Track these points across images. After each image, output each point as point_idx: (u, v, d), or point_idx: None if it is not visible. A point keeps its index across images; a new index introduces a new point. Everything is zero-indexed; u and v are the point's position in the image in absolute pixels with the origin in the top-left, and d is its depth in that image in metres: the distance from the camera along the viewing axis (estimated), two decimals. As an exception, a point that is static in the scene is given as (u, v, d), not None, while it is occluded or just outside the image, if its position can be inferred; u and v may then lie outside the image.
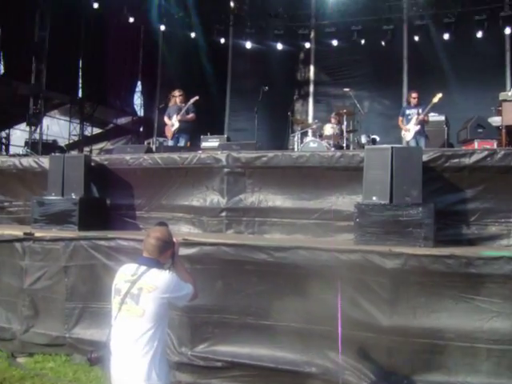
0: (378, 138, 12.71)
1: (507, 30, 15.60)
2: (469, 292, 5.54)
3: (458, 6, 16.10)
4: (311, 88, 18.76)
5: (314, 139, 11.56)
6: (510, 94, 9.55)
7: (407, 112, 11.03)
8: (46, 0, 16.73)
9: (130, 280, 3.99)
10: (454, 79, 15.82)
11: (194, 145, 12.05)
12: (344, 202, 7.10)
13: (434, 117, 11.99)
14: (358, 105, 12.40)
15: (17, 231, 7.66)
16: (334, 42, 17.10)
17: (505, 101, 9.52)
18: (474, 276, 5.52)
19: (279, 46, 17.76)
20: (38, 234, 7.47)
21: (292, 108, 14.39)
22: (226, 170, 7.76)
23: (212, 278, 6.43)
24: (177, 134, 11.27)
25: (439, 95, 10.51)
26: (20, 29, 16.33)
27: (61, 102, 19.51)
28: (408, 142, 10.75)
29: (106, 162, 8.61)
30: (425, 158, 6.72)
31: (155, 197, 8.34)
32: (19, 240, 7.50)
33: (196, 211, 8.02)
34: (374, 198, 6.50)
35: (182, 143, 11.22)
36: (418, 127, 10.77)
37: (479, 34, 15.85)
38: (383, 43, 16.81)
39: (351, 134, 12.59)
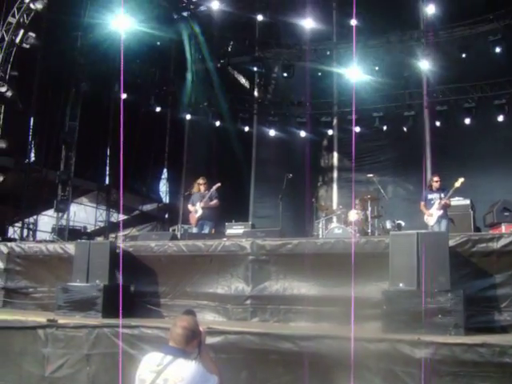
0: (403, 224, 12.64)
1: (527, 114, 15.74)
2: (504, 383, 5.31)
3: (477, 92, 16.38)
4: (335, 174, 18.93)
5: (338, 225, 11.53)
6: (535, 177, 9.50)
7: (429, 196, 10.91)
8: (78, 92, 17.40)
9: (155, 370, 3.91)
10: (478, 163, 15.84)
11: (219, 232, 12.08)
12: (371, 289, 6.98)
13: (459, 201, 11.92)
14: (381, 190, 12.42)
15: (40, 318, 7.62)
16: (357, 129, 17.37)
17: (530, 184, 9.47)
18: (509, 366, 5.30)
19: (302, 134, 18.12)
20: (61, 321, 7.42)
21: (316, 194, 14.53)
22: (250, 257, 7.74)
23: (237, 368, 6.27)
24: (201, 221, 11.33)
25: (461, 180, 10.48)
26: (51, 119, 16.96)
27: (88, 188, 19.90)
28: (432, 227, 10.61)
29: (131, 249, 8.65)
30: (451, 243, 6.65)
31: (180, 284, 8.29)
32: (42, 327, 7.44)
33: (221, 299, 7.94)
34: (401, 285, 6.39)
35: (206, 230, 11.25)
36: (440, 212, 10.64)
37: (500, 118, 16.00)
38: (405, 129, 17.04)
39: (376, 220, 12.53)
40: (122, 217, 20.88)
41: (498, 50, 15.59)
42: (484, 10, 15.97)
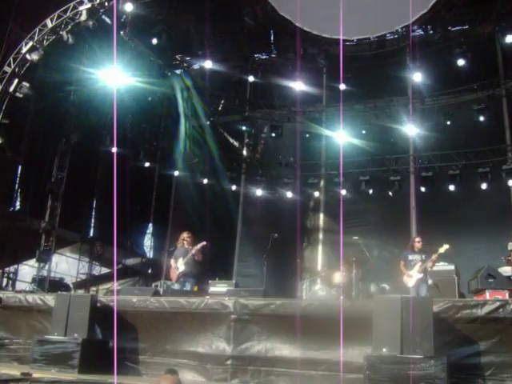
0: (387, 287, 12.60)
1: (511, 183, 15.97)
2: None
3: (461, 159, 16.67)
4: (320, 235, 18.95)
5: (322, 287, 11.49)
6: (519, 243, 9.58)
7: (410, 257, 10.85)
8: (67, 143, 17.48)
9: None
10: (463, 228, 15.96)
11: (202, 289, 11.95)
12: (353, 353, 6.90)
13: (443, 266, 11.93)
14: (367, 253, 12.43)
15: (14, 371, 7.42)
16: (343, 192, 17.50)
17: (514, 250, 9.54)
18: None
19: (289, 194, 18.20)
20: (35, 375, 7.23)
21: (301, 255, 14.50)
22: (233, 316, 7.67)
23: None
24: (182, 278, 11.19)
25: (446, 246, 10.51)
26: (39, 168, 16.96)
27: (72, 240, 19.72)
28: (411, 288, 10.54)
29: (111, 303, 8.53)
30: (435, 308, 6.64)
31: (160, 341, 8.18)
32: (15, 380, 7.23)
33: (201, 358, 7.83)
34: (385, 350, 6.33)
35: (187, 287, 11.11)
36: (420, 275, 10.62)
37: (484, 186, 16.22)
38: (391, 193, 17.21)
39: (360, 283, 12.47)
40: (115, 268, 20.63)
41: (481, 118, 15.96)
42: (469, 79, 16.42)
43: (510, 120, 16.99)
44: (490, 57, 17.03)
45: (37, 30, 13.68)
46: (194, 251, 11.12)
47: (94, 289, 19.30)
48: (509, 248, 9.79)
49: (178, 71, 18.86)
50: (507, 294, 10.10)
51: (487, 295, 10.18)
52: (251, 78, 18.66)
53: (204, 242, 11.20)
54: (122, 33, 14.94)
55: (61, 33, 13.53)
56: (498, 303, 6.71)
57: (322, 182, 18.82)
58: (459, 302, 7.16)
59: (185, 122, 18.86)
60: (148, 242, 22.80)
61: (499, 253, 12.35)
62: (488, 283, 10.51)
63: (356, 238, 12.63)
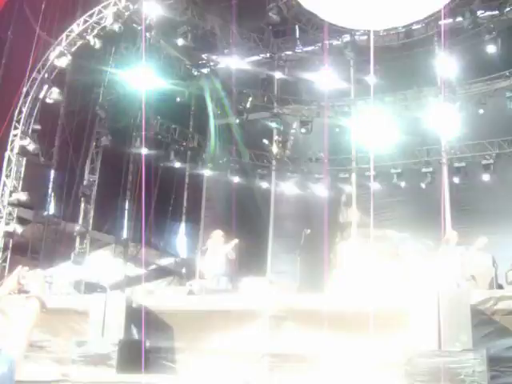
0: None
1: (547, 169, 15.67)
2: None
3: (495, 148, 16.38)
4: (353, 230, 18.81)
5: (357, 281, 11.39)
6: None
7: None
8: (98, 146, 17.66)
9: None
10: (498, 219, 15.68)
11: (236, 287, 11.96)
12: (391, 347, 6.83)
13: (480, 257, 11.73)
14: (400, 246, 12.30)
15: (54, 372, 7.54)
16: (375, 185, 17.33)
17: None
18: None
19: (320, 190, 18.09)
20: (75, 376, 7.33)
21: (334, 250, 14.40)
22: (268, 313, 7.65)
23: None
24: (217, 276, 11.23)
25: (483, 239, 10.34)
26: (71, 172, 17.18)
27: (106, 242, 19.94)
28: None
29: (147, 304, 8.60)
30: (473, 300, 6.52)
31: (195, 340, 8.22)
32: (55, 381, 7.36)
33: (237, 356, 7.82)
34: (422, 344, 6.24)
35: (222, 285, 11.15)
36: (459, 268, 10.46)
37: (520, 174, 15.94)
38: (423, 185, 16.99)
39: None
40: (143, 270, 20.83)
41: (515, 105, 15.68)
42: (500, 66, 16.11)
43: (544, 106, 16.61)
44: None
45: (64, 35, 13.87)
46: (227, 249, 11.17)
47: (130, 289, 19.46)
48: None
49: (204, 71, 18.90)
50: (546, 284, 9.93)
51: (526, 286, 10.02)
52: (278, 75, 18.62)
53: (236, 240, 11.23)
54: (148, 35, 15.03)
55: (87, 37, 13.69)
56: (537, 294, 6.57)
57: (353, 176, 18.68)
58: (497, 293, 7.04)
59: (213, 121, 18.92)
60: (181, 241, 22.93)
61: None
62: (526, 274, 10.33)
63: (389, 231, 12.49)
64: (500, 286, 11.51)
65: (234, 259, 11.31)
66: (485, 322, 6.60)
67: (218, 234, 11.61)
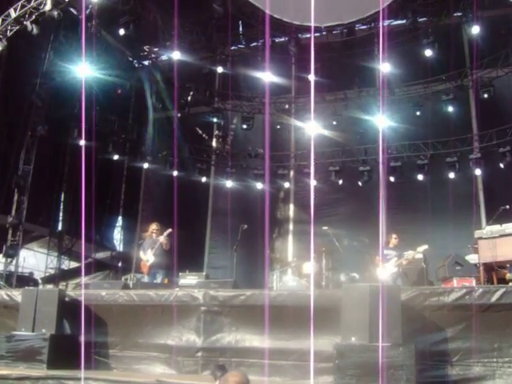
0: (357, 276, 12.67)
1: (477, 172, 16.23)
2: None
3: (429, 149, 16.86)
4: (291, 226, 19.00)
5: (293, 278, 11.51)
6: (484, 231, 9.73)
7: (385, 252, 11.05)
8: (33, 136, 17.16)
9: None
10: (432, 218, 16.15)
11: (172, 282, 11.89)
12: (323, 342, 6.92)
13: (414, 255, 12.05)
14: (336, 243, 12.49)
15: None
16: (313, 182, 17.54)
17: (480, 238, 9.68)
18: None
19: (259, 185, 18.16)
20: (2, 372, 7.11)
21: (272, 246, 14.52)
22: (202, 308, 7.64)
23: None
24: (153, 270, 11.15)
25: (425, 246, 10.75)
26: (5, 162, 16.65)
27: (40, 234, 19.45)
28: (383, 281, 10.65)
29: (80, 298, 8.43)
30: (403, 296, 6.69)
31: (130, 335, 8.11)
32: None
33: (171, 351, 7.78)
34: (353, 339, 6.36)
35: (158, 280, 11.07)
36: (395, 269, 10.78)
37: (451, 175, 16.42)
38: (360, 183, 17.32)
39: (330, 272, 12.53)
40: (83, 263, 20.40)
41: (450, 109, 16.19)
42: (437, 70, 16.58)
43: (476, 110, 17.19)
44: (458, 47, 17.22)
45: (-1, 19, 13.41)
46: (161, 239, 11.10)
47: (64, 283, 19.07)
48: (475, 236, 9.94)
49: (146, 63, 18.68)
50: (474, 281, 10.28)
51: (454, 283, 10.35)
52: (220, 69, 18.55)
53: (170, 230, 11.19)
54: (88, 23, 14.71)
55: (25, 23, 13.26)
56: (464, 290, 6.79)
57: (291, 173, 18.85)
58: (427, 289, 7.23)
59: (154, 114, 18.72)
60: (118, 235, 22.62)
61: (466, 241, 12.52)
62: (455, 271, 10.67)
63: (326, 227, 12.66)
64: (430, 283, 11.86)
65: (169, 251, 11.24)
66: (414, 318, 6.77)
67: (154, 227, 11.54)
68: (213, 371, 6.20)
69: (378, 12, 15.11)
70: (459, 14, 15.81)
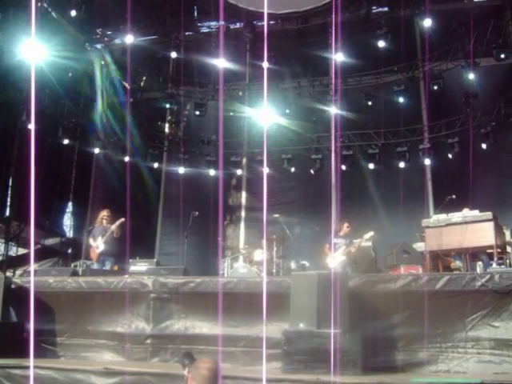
0: (307, 264, 12.82)
1: (427, 161, 16.57)
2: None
3: (381, 139, 17.11)
4: (242, 213, 19.01)
5: (243, 265, 11.57)
6: (431, 220, 9.95)
7: (335, 240, 11.18)
8: (-21, 119, 16.69)
9: None
10: (382, 206, 16.40)
11: (123, 268, 11.79)
12: (272, 329, 7.00)
13: (361, 242, 12.23)
14: (287, 231, 12.59)
15: None
16: (266, 170, 17.56)
17: (427, 227, 9.90)
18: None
19: (212, 172, 18.11)
20: None
21: (223, 233, 14.52)
22: (152, 295, 7.63)
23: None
24: (102, 257, 11.04)
25: (371, 233, 10.91)
26: None
27: (-14, 220, 18.97)
28: (333, 269, 10.80)
29: (27, 285, 8.29)
30: (351, 283, 6.81)
31: (78, 322, 8.05)
32: None
33: (120, 338, 7.75)
34: (302, 325, 6.45)
35: (107, 266, 10.97)
36: (344, 257, 10.93)
37: (402, 164, 16.71)
38: (312, 171, 17.45)
39: (281, 260, 12.62)
40: (32, 249, 19.99)
41: (401, 99, 16.41)
42: (389, 61, 16.79)
43: (426, 102, 17.49)
44: (410, 40, 17.46)
45: None
46: (112, 228, 11.00)
47: (11, 270, 18.67)
48: (422, 225, 10.16)
49: (99, 46, 18.31)
50: (420, 269, 10.54)
51: (402, 270, 10.59)
52: (174, 55, 18.35)
53: (122, 219, 11.10)
54: (39, 3, 14.34)
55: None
56: (410, 277, 6.97)
57: (244, 160, 18.85)
58: (374, 277, 7.39)
59: (105, 98, 18.38)
60: (68, 221, 22.23)
61: (415, 229, 12.77)
62: (403, 258, 10.93)
63: (277, 215, 12.73)
64: (379, 270, 12.10)
65: (120, 238, 11.15)
66: (362, 304, 6.91)
67: (104, 214, 11.41)
68: (180, 359, 6.20)
69: (333, 1, 15.22)
70: (412, 6, 15.96)
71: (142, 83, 18.16)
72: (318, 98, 17.56)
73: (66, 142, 18.25)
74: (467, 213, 9.56)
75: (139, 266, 11.96)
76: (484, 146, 15.57)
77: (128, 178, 18.01)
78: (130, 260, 12.44)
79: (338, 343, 6.20)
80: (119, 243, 11.21)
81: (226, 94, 18.42)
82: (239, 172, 18.82)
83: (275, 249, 12.02)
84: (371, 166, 17.09)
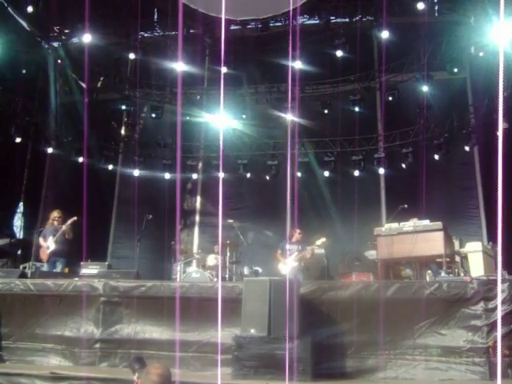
0: (260, 270, 12.85)
1: (381, 170, 16.83)
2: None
3: (336, 147, 17.30)
4: (197, 218, 18.93)
5: (196, 269, 11.51)
6: (383, 229, 10.10)
7: (288, 246, 11.26)
8: None
9: None
10: (337, 214, 16.53)
11: (74, 271, 11.58)
12: (223, 334, 6.99)
13: (314, 249, 12.32)
14: (241, 236, 12.60)
15: None
16: (222, 175, 17.54)
17: (379, 236, 10.03)
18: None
19: (167, 176, 17.98)
20: None
21: (177, 237, 14.40)
22: (102, 298, 7.52)
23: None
24: (53, 258, 10.84)
25: (323, 239, 10.99)
26: None
27: None
28: (285, 276, 10.85)
29: (-28, 287, 8.08)
30: (302, 290, 6.85)
31: (25, 326, 7.87)
32: None
33: (68, 342, 7.63)
34: (253, 331, 6.46)
35: (58, 268, 10.78)
36: (296, 264, 10.99)
37: (356, 173, 16.92)
38: (267, 177, 17.52)
39: (234, 266, 12.61)
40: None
41: (357, 109, 16.61)
42: (346, 71, 16.99)
43: (382, 112, 17.78)
44: (367, 50, 17.75)
45: None
46: (64, 228, 10.82)
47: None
48: (375, 233, 10.30)
49: (55, 44, 17.99)
50: (372, 277, 10.68)
51: (353, 277, 10.71)
52: (132, 56, 18.16)
53: (74, 218, 10.93)
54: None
55: None
56: (361, 285, 7.05)
57: (200, 165, 18.79)
58: (325, 283, 7.45)
59: (60, 97, 18.08)
60: (18, 221, 21.74)
61: (369, 237, 12.91)
62: (355, 266, 11.06)
63: (231, 221, 12.75)
64: (331, 278, 12.21)
65: (72, 240, 10.97)
66: (313, 311, 6.96)
67: (56, 215, 11.22)
68: (130, 364, 6.11)
69: (293, 10, 15.32)
70: (370, 18, 16.20)
71: (99, 84, 17.91)
72: (275, 104, 17.66)
73: (18, 140, 17.86)
74: (418, 222, 9.73)
75: (90, 268, 11.73)
76: (437, 156, 15.91)
77: (82, 179, 17.75)
78: (82, 263, 12.22)
79: (288, 349, 6.22)
80: (71, 244, 11.04)
81: (183, 97, 18.33)
82: (195, 176, 18.75)
83: (228, 254, 12.02)
84: (326, 173, 17.25)
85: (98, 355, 7.41)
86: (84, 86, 17.55)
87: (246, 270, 12.39)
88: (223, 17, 12.86)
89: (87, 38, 16.39)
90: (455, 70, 15.12)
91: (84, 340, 7.52)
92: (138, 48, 18.29)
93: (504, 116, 14.10)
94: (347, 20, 16.85)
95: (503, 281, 6.88)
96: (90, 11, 16.28)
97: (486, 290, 6.92)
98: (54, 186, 19.95)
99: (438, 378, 6.67)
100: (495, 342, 6.66)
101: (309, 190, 17.23)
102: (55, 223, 11.13)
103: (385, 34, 15.18)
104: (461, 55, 15.42)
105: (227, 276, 11.76)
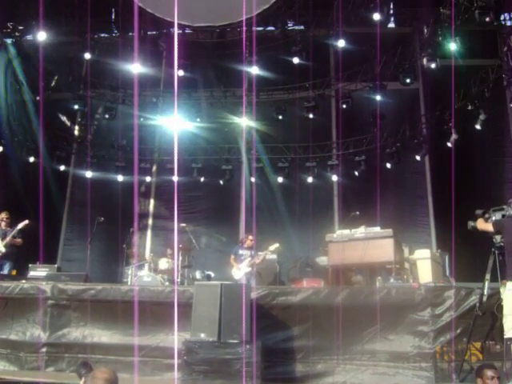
0: (212, 275, 12.83)
1: (334, 177, 17.02)
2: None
3: (290, 153, 17.42)
4: (150, 221, 18.76)
5: (148, 273, 11.40)
6: (335, 235, 10.18)
7: (240, 252, 11.31)
8: None
9: None
10: (290, 219, 16.64)
11: (22, 274, 11.30)
12: (173, 338, 6.94)
13: (266, 255, 12.35)
14: (193, 240, 12.54)
15: None
16: (175, 178, 17.43)
17: (331, 242, 10.10)
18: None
19: (120, 178, 17.75)
20: None
21: (128, 240, 14.22)
22: (50, 301, 7.38)
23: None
24: (0, 261, 10.56)
25: (276, 245, 11.04)
26: None
27: None
28: (238, 281, 10.87)
29: None
30: (254, 295, 6.87)
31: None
32: None
33: (14, 346, 7.45)
34: (203, 335, 6.44)
35: (5, 271, 10.50)
36: (249, 269, 11.02)
37: (310, 179, 17.07)
38: (221, 182, 17.50)
39: (186, 270, 12.53)
40: None
41: (311, 115, 16.75)
42: (302, 78, 17.13)
43: (336, 119, 18.01)
44: (324, 58, 17.97)
45: None
46: (15, 232, 10.57)
47: None
48: (326, 239, 10.39)
49: (9, 41, 17.57)
50: (322, 283, 10.76)
51: (304, 283, 10.77)
52: (87, 56, 17.88)
53: (26, 221, 10.68)
54: None
55: None
56: (311, 290, 7.11)
57: (154, 167, 18.65)
58: (276, 289, 7.49)
59: (10, 95, 17.64)
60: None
61: (321, 243, 13.01)
62: (306, 272, 11.13)
63: (184, 225, 12.68)
64: (282, 283, 12.26)
65: (20, 243, 10.73)
66: (263, 316, 6.98)
67: (3, 216, 10.94)
68: (77, 369, 6.00)
69: (249, 18, 15.38)
70: (326, 27, 16.41)
71: (52, 82, 17.56)
72: (231, 108, 17.68)
73: (-35, 139, 17.36)
74: (369, 229, 9.85)
75: (39, 271, 11.46)
76: (389, 165, 16.19)
77: (32, 179, 17.39)
78: (30, 265, 11.94)
79: (238, 354, 6.23)
80: (19, 246, 10.77)
81: (139, 99, 18.15)
82: (148, 179, 18.57)
83: (181, 258, 11.94)
84: (280, 179, 17.34)
85: (45, 359, 7.26)
86: (35, 84, 17.21)
87: (198, 275, 12.35)
88: (175, 22, 12.83)
89: (41, 36, 16.07)
90: (408, 81, 15.42)
91: (30, 344, 7.36)
92: (95, 48, 18.03)
93: (454, 127, 14.53)
94: (304, 29, 17.03)
95: (450, 288, 7.04)
96: (44, 8, 16.01)
97: (434, 296, 7.06)
98: (3, 187, 19.45)
99: (386, 383, 6.77)
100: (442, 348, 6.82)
101: (263, 196, 17.29)
102: (2, 225, 10.86)
103: (341, 43, 15.37)
104: (413, 66, 15.76)
105: (179, 280, 11.67)
